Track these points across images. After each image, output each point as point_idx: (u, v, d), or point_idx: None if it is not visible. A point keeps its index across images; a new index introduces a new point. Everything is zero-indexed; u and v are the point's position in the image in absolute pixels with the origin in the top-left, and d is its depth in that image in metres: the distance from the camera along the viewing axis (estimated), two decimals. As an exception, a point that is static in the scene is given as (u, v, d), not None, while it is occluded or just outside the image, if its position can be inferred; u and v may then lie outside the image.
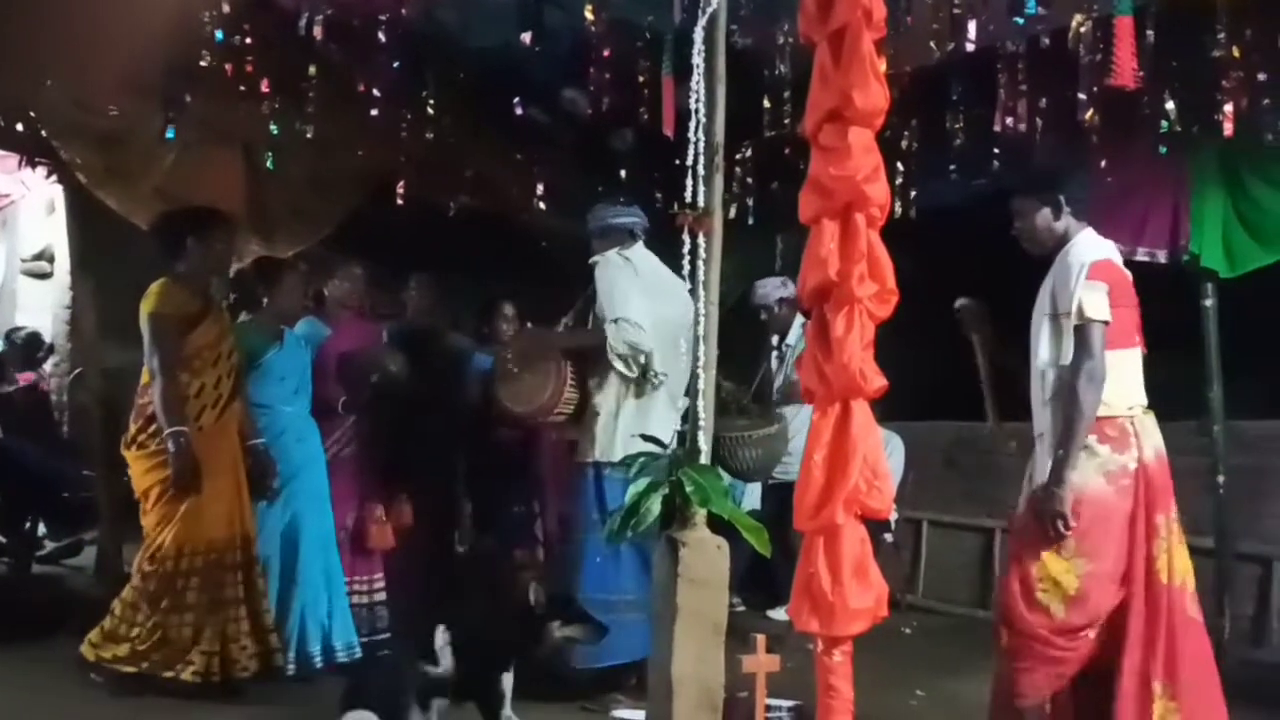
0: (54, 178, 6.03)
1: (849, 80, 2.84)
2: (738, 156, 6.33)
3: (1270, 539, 5.47)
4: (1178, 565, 3.33)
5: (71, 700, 4.16)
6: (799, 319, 6.17)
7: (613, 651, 4.16)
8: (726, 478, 3.58)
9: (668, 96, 5.12)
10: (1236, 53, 4.66)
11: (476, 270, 6.94)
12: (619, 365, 4.39)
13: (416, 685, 3.65)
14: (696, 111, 3.12)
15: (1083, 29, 4.65)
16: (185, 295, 4.40)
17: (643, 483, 3.09)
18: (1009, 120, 5.14)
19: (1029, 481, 3.50)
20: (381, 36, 5.42)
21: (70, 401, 7.72)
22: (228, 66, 5.30)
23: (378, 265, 5.82)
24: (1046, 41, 4.91)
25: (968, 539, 6.65)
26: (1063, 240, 3.50)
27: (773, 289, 6.28)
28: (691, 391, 3.13)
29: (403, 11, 5.30)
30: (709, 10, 3.11)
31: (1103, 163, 5.37)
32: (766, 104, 5.51)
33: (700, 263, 3.09)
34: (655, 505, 3.02)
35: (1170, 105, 4.95)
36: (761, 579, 5.95)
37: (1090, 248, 3.44)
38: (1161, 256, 5.49)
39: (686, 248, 3.10)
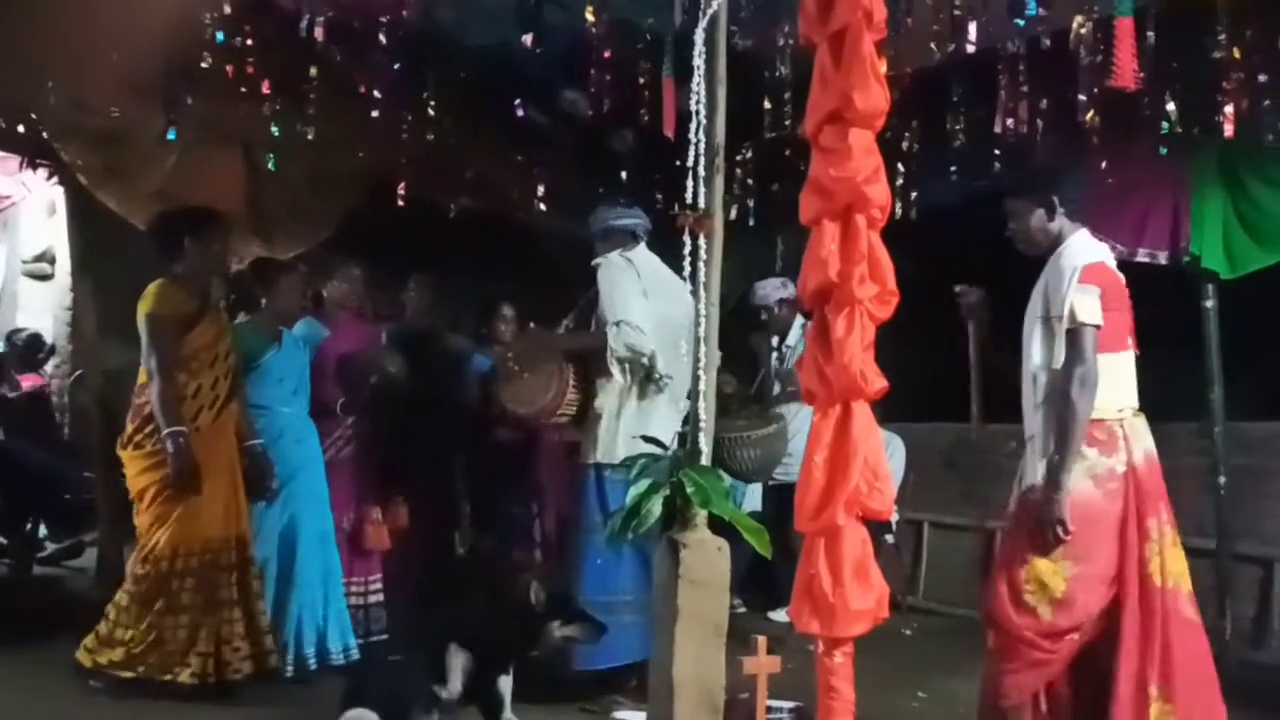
0: (55, 179, 6.03)
1: (849, 82, 2.84)
2: (738, 158, 6.33)
3: (1271, 540, 5.46)
4: (1171, 568, 3.32)
5: (72, 702, 4.16)
6: (799, 319, 6.18)
7: (613, 653, 4.16)
8: (727, 479, 3.58)
9: (668, 98, 5.13)
10: (1237, 54, 4.67)
11: (476, 271, 6.94)
12: (615, 369, 4.38)
13: (421, 694, 3.65)
14: (697, 113, 3.12)
15: (1083, 30, 4.65)
16: (183, 296, 4.39)
17: (644, 484, 3.09)
18: (1009, 121, 5.15)
19: (1019, 483, 3.50)
20: (382, 38, 5.43)
21: (71, 403, 7.71)
22: (228, 68, 5.31)
23: (377, 266, 5.81)
24: (1047, 43, 4.92)
25: (968, 540, 6.64)
26: (1057, 241, 3.49)
27: (773, 289, 6.29)
28: (692, 393, 3.13)
29: (403, 13, 5.31)
30: (709, 12, 3.11)
31: (1103, 164, 5.38)
32: (767, 105, 5.52)
33: (701, 264, 3.09)
34: (656, 506, 3.02)
35: (1171, 106, 4.96)
36: (762, 580, 5.94)
37: (1083, 250, 3.43)
38: (1162, 257, 5.49)
39: (687, 249, 3.10)
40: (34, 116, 5.42)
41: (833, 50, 2.91)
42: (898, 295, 2.89)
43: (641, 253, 4.60)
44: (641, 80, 5.58)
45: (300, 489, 4.73)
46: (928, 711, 4.52)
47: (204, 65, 5.24)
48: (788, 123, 5.43)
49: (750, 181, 6.52)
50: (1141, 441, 3.38)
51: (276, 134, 5.78)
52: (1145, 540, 3.31)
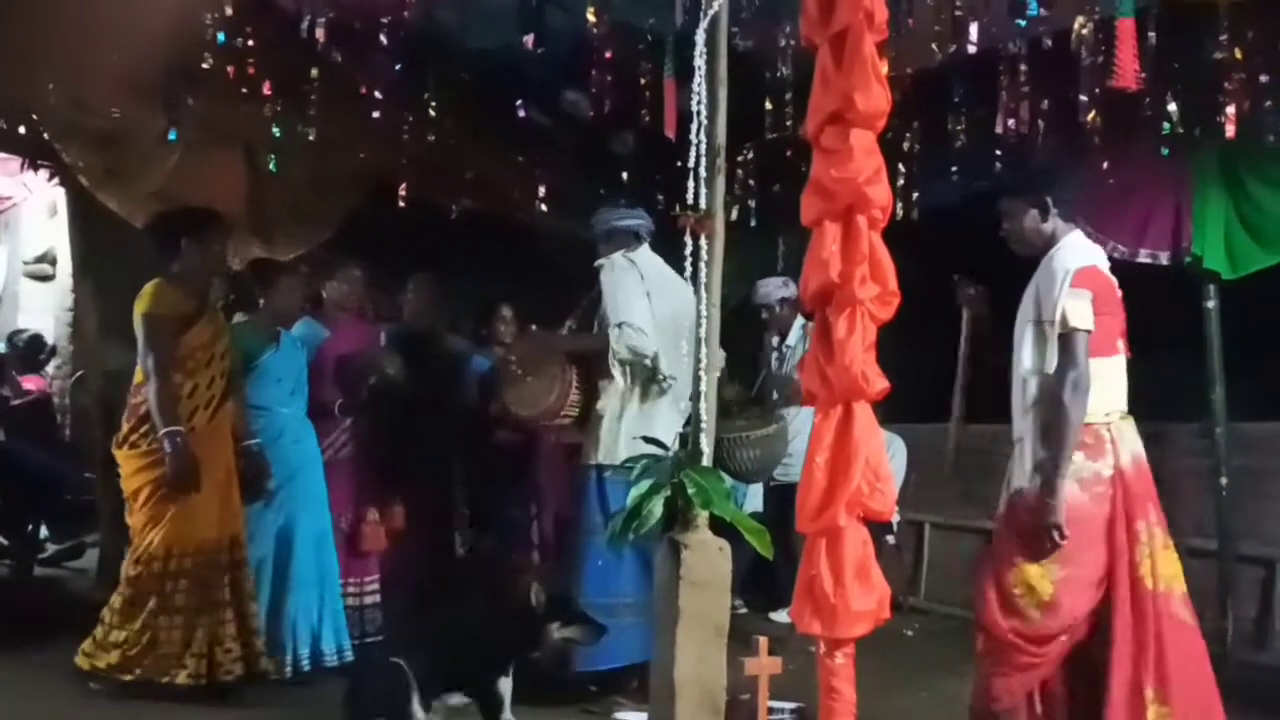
0: (56, 180, 6.03)
1: (851, 82, 2.84)
2: (739, 159, 6.33)
3: (1273, 540, 5.45)
4: (1163, 570, 3.31)
5: (72, 704, 4.16)
6: (799, 320, 6.17)
7: (614, 654, 4.16)
8: (728, 480, 3.58)
9: (669, 99, 5.13)
10: (1238, 54, 4.67)
11: (477, 272, 6.94)
12: (617, 371, 4.38)
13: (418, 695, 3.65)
14: (698, 113, 3.12)
15: (1084, 31, 4.64)
16: (179, 296, 4.39)
17: (645, 485, 3.09)
18: (1010, 122, 5.15)
19: (1007, 486, 3.49)
20: (383, 39, 5.43)
21: (72, 404, 7.71)
22: (230, 68, 5.32)
23: (378, 267, 5.81)
24: (1048, 43, 4.91)
25: (970, 541, 6.64)
26: (1050, 242, 3.49)
27: (774, 288, 6.28)
28: (693, 393, 3.13)
29: (404, 14, 5.31)
30: (711, 12, 3.11)
31: (1105, 164, 5.38)
32: (768, 106, 5.52)
33: (702, 265, 3.09)
34: (657, 507, 3.02)
35: (1172, 107, 4.96)
36: (763, 581, 5.94)
37: (1076, 253, 3.42)
38: (1164, 258, 5.49)
39: (688, 250, 3.10)
40: (35, 117, 5.42)
41: (834, 51, 2.90)
42: (899, 296, 2.88)
43: (645, 254, 4.60)
44: (643, 81, 5.58)
45: (298, 490, 4.72)
46: (929, 712, 4.51)
47: (205, 66, 5.24)
48: (789, 123, 5.43)
49: (751, 182, 6.52)
50: (1129, 445, 3.37)
51: (278, 135, 5.79)
52: (1135, 544, 3.30)
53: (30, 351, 7.50)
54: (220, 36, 5.15)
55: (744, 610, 5.99)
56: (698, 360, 3.09)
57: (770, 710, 3.41)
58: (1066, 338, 3.29)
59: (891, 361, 2.91)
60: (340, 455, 5.10)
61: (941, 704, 4.54)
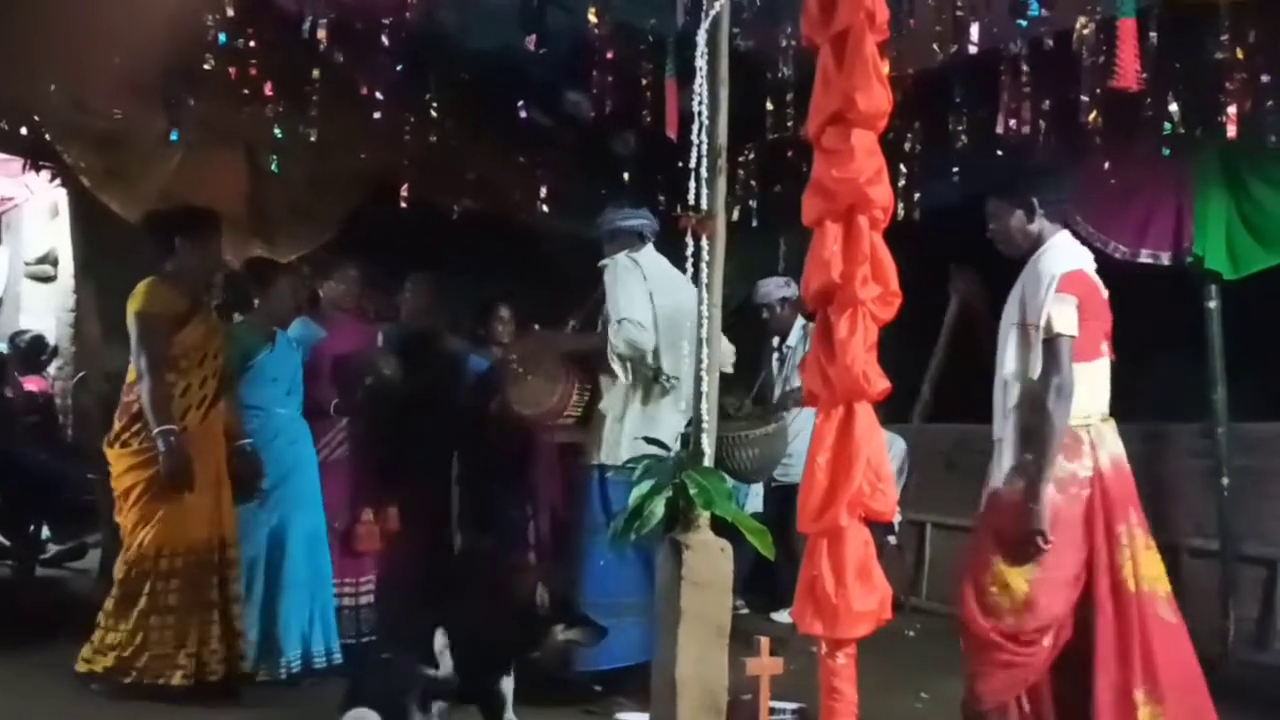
0: (57, 181, 6.04)
1: (852, 83, 2.84)
2: (741, 159, 6.34)
3: (1274, 541, 5.45)
4: (1145, 571, 3.30)
5: (73, 704, 4.16)
6: (800, 320, 6.17)
7: (615, 654, 4.16)
8: (728, 480, 3.58)
9: (671, 99, 5.13)
10: (1239, 54, 4.67)
11: (478, 272, 6.94)
12: (616, 365, 4.38)
13: (417, 688, 3.65)
14: (699, 114, 3.12)
15: (1086, 31, 4.64)
16: (173, 294, 4.37)
17: (646, 485, 3.09)
18: (1012, 122, 5.15)
19: (987, 485, 3.49)
20: (384, 39, 5.44)
21: (74, 404, 7.72)
22: (231, 69, 5.32)
23: (379, 267, 5.80)
24: (1049, 44, 4.91)
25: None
26: (1037, 242, 3.48)
27: (775, 288, 6.28)
28: (694, 394, 3.13)
29: (406, 14, 5.31)
30: (712, 13, 3.11)
31: (1106, 165, 5.38)
32: (769, 106, 5.53)
33: (703, 265, 3.09)
34: (659, 508, 3.02)
35: (1173, 107, 4.96)
36: (765, 581, 5.94)
37: (1062, 256, 3.41)
38: (1165, 258, 5.49)
39: (689, 250, 3.10)
40: (37, 118, 5.43)
41: (835, 51, 2.91)
42: (900, 296, 2.88)
43: (648, 254, 4.60)
44: (644, 82, 5.58)
45: (292, 490, 4.71)
46: (930, 712, 4.51)
47: (206, 67, 5.24)
48: (790, 124, 5.43)
49: (753, 183, 6.53)
50: (1109, 447, 3.37)
51: (279, 136, 5.80)
52: (1115, 546, 3.30)
53: (32, 352, 7.51)
54: (222, 37, 5.16)
55: (745, 610, 5.99)
56: (699, 360, 3.09)
57: (772, 710, 3.41)
58: (1051, 343, 3.28)
59: (893, 362, 2.92)
60: (336, 455, 5.09)
61: (942, 704, 4.53)
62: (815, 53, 2.99)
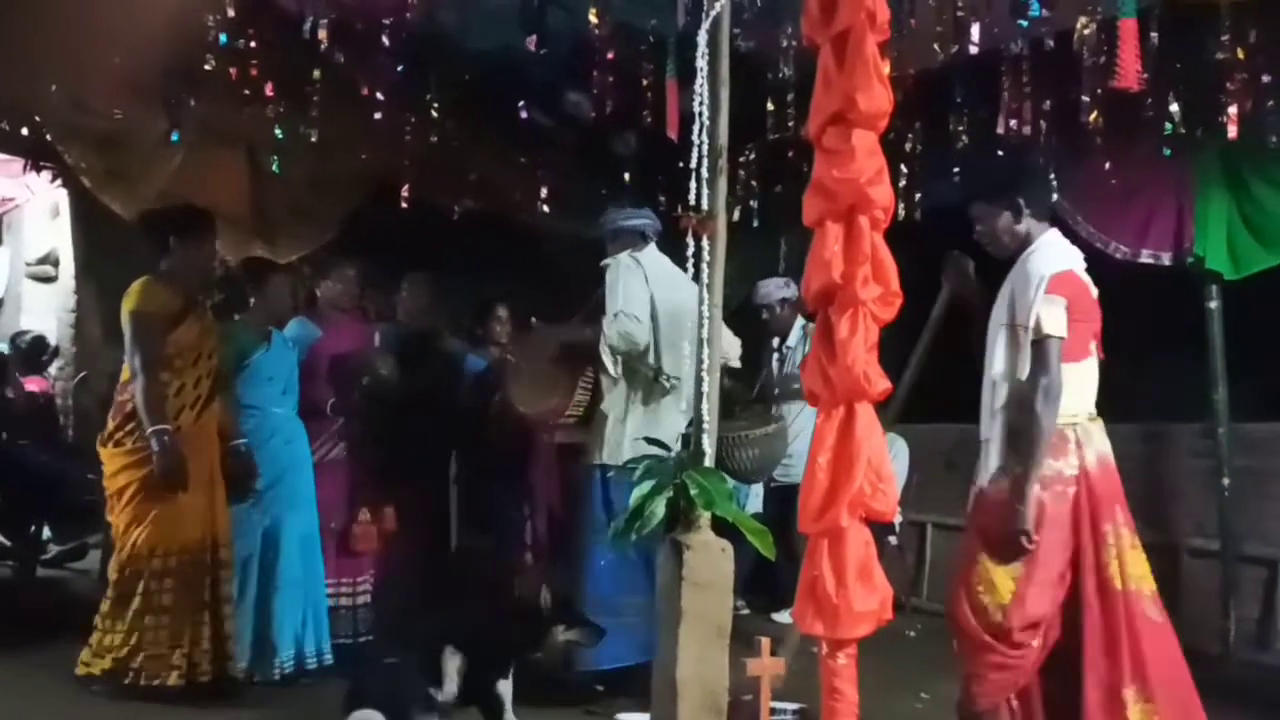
0: (58, 182, 6.05)
1: (853, 83, 2.84)
2: (741, 159, 6.34)
3: (1275, 541, 5.46)
4: (1131, 570, 3.30)
5: (73, 704, 4.16)
6: (799, 320, 6.17)
7: (616, 654, 4.16)
8: (728, 480, 3.58)
9: (671, 99, 5.13)
10: (1240, 55, 4.67)
11: (478, 272, 6.95)
12: (608, 359, 4.38)
13: (423, 702, 3.65)
14: (700, 114, 3.12)
15: (1086, 31, 4.64)
16: (167, 294, 4.37)
17: (647, 485, 3.09)
18: (1012, 123, 5.15)
19: (974, 485, 3.49)
20: (385, 40, 5.43)
21: (75, 405, 7.72)
22: (232, 70, 5.32)
23: (378, 267, 5.80)
24: (1050, 44, 4.91)
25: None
26: (1025, 242, 3.46)
27: (775, 288, 6.28)
28: (695, 394, 3.13)
29: (406, 15, 5.31)
30: (713, 13, 3.11)
31: (1107, 165, 5.38)
32: (770, 107, 5.52)
33: (704, 266, 3.09)
34: (660, 508, 3.02)
35: (1174, 107, 4.96)
36: (765, 582, 5.94)
37: (1051, 257, 3.40)
38: (1166, 258, 5.50)
39: (690, 251, 3.10)
40: (37, 119, 5.44)
41: (836, 51, 2.90)
42: (901, 297, 2.88)
43: (651, 253, 4.60)
44: (644, 82, 5.58)
45: (286, 490, 4.71)
46: (931, 713, 4.51)
47: (207, 67, 5.24)
48: (791, 124, 5.43)
49: (753, 183, 6.53)
50: (1095, 445, 3.36)
51: (280, 136, 5.80)
52: (1102, 545, 3.29)
53: (33, 353, 7.51)
54: (222, 38, 5.16)
55: (746, 611, 5.99)
56: (699, 361, 3.09)
57: (772, 711, 3.40)
58: (1039, 344, 3.27)
59: (893, 362, 2.91)
60: (333, 455, 5.09)
61: (943, 705, 4.52)
62: (816, 53, 2.98)
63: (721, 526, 3.06)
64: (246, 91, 5.47)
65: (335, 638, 4.84)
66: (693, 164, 3.12)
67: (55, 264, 8.27)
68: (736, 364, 4.92)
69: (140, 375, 4.23)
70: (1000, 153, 5.44)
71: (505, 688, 3.78)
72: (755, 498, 6.14)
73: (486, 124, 6.20)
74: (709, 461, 3.07)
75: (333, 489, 4.98)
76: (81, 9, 4.75)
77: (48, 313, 8.27)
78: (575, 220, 6.44)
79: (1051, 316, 3.27)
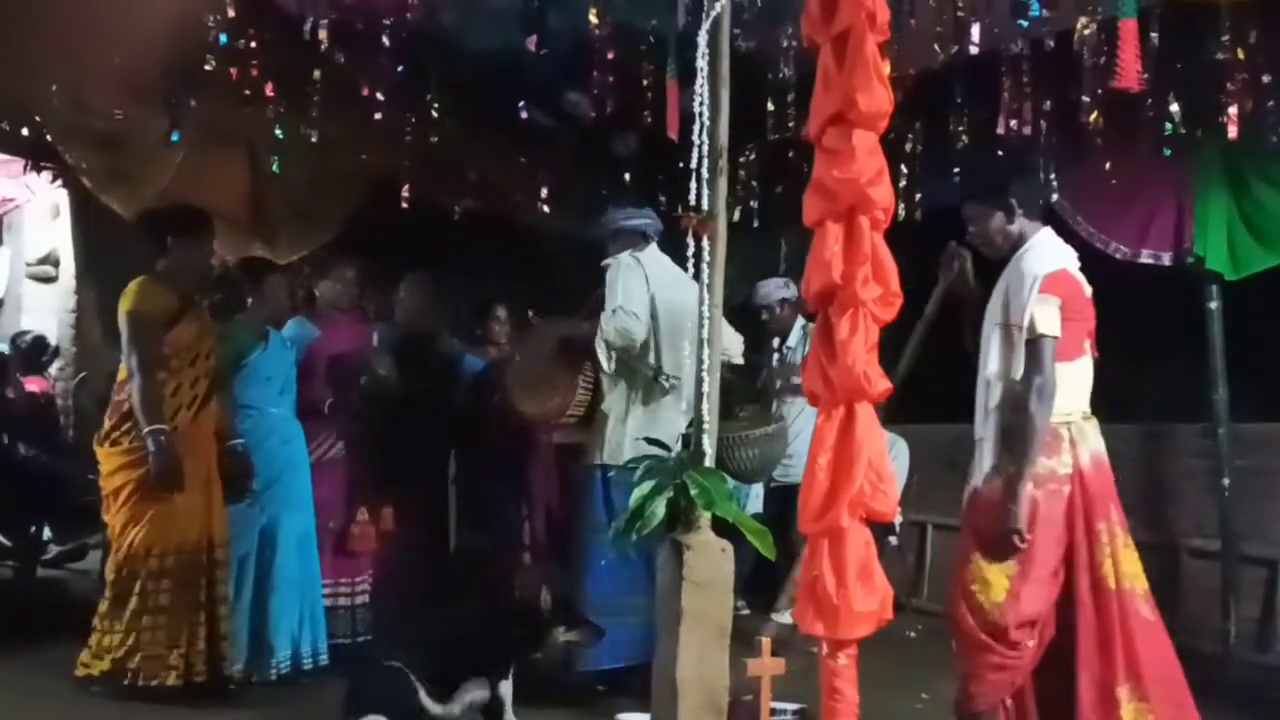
0: (59, 182, 6.06)
1: (853, 83, 2.84)
2: (741, 160, 6.33)
3: (1275, 541, 5.45)
4: (1125, 569, 3.30)
5: (73, 704, 4.16)
6: (799, 320, 6.17)
7: (616, 654, 4.16)
8: (729, 481, 3.58)
9: (672, 100, 5.12)
10: (1241, 55, 4.66)
11: (478, 272, 6.94)
12: (602, 355, 4.37)
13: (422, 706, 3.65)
14: (700, 114, 3.12)
15: (1087, 31, 4.64)
16: (165, 294, 4.36)
17: (647, 486, 3.09)
18: (1013, 123, 5.14)
19: (968, 485, 3.50)
20: (385, 40, 5.43)
21: (75, 405, 7.72)
22: (232, 70, 5.32)
23: (378, 267, 5.80)
24: (1050, 44, 4.91)
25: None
26: (1019, 242, 3.46)
27: (774, 289, 6.27)
28: (695, 394, 3.13)
29: (407, 15, 5.31)
30: (713, 14, 3.11)
31: (1107, 165, 5.38)
32: (770, 107, 5.52)
33: (704, 266, 3.09)
34: (660, 508, 3.02)
35: (1174, 107, 4.96)
36: (765, 582, 5.94)
37: (1045, 256, 3.39)
38: (1166, 259, 5.49)
39: (690, 251, 3.10)
40: (38, 119, 5.44)
41: (836, 52, 2.90)
42: (901, 297, 2.88)
43: (652, 253, 4.60)
44: (645, 82, 5.58)
45: (283, 490, 4.71)
46: (931, 713, 4.51)
47: (207, 67, 5.25)
48: (791, 124, 5.43)
49: (754, 183, 6.53)
50: (1089, 444, 3.36)
51: (280, 136, 5.80)
52: (1095, 543, 3.30)
53: (33, 353, 7.51)
54: (223, 38, 5.16)
55: (746, 611, 5.99)
56: (700, 360, 3.09)
57: (773, 711, 3.40)
58: (1033, 344, 3.27)
59: (894, 362, 2.91)
60: (331, 455, 5.08)
61: (943, 705, 4.51)
62: (816, 53, 2.98)
63: (721, 526, 3.06)
64: (247, 92, 5.48)
65: (333, 638, 4.84)
66: (693, 164, 3.12)
67: (55, 264, 8.27)
68: (739, 360, 4.93)
69: (137, 375, 4.22)
70: (1000, 153, 5.43)
71: (505, 688, 3.78)
72: (755, 498, 6.13)
73: (487, 124, 6.20)
74: (709, 461, 3.07)
75: (331, 489, 4.98)
76: (81, 9, 4.75)
77: (48, 313, 8.27)
78: (575, 220, 6.44)
79: (1045, 316, 3.27)
